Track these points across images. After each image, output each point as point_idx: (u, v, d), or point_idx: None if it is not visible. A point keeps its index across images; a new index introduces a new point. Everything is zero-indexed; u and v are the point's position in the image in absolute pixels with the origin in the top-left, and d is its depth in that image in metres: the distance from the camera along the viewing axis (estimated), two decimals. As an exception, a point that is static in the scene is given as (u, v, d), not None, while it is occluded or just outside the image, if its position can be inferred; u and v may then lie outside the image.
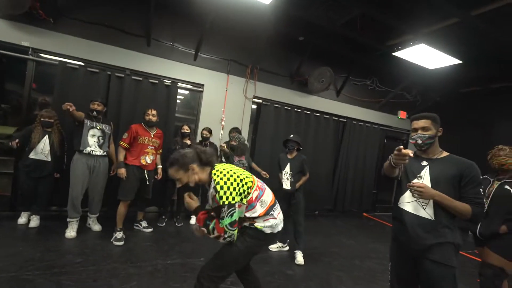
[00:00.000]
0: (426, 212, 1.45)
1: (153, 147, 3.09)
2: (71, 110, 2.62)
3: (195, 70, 4.13)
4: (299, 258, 2.90)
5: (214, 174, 1.46)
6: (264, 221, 1.51)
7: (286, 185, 3.03)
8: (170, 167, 1.50)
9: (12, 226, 2.87)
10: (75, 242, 2.72)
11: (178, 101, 4.12)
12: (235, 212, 1.39)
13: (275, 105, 4.74)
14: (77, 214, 2.86)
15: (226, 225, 1.38)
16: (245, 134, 4.56)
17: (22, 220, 2.97)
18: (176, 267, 2.46)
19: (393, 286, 1.64)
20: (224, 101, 4.33)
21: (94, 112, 2.89)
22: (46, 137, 2.90)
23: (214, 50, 4.25)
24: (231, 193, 1.39)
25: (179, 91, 4.11)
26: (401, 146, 1.35)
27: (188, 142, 3.53)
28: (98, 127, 2.94)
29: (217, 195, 1.40)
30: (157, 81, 3.85)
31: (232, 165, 1.58)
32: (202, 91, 4.24)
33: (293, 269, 2.75)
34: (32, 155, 2.83)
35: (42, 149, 2.87)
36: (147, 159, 3.04)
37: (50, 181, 3.03)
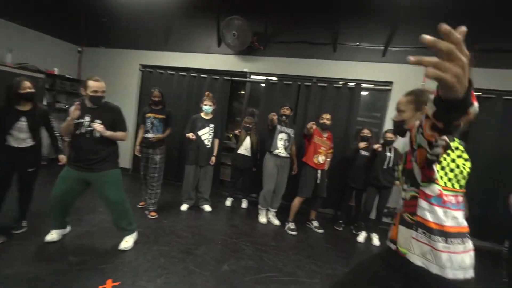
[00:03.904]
0: None
1: (325, 148, 3.19)
2: (274, 118, 3.21)
3: (383, 67, 3.73)
4: None
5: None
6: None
7: None
8: (405, 95, 1.27)
9: (233, 205, 3.92)
10: (269, 227, 3.30)
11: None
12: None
13: (505, 97, 3.30)
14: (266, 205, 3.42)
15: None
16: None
17: (227, 203, 3.87)
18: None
19: None
20: (419, 99, 3.57)
21: (283, 117, 3.34)
22: (248, 137, 3.70)
23: (411, 40, 3.58)
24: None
25: (362, 92, 3.89)
26: None
27: (363, 145, 3.28)
28: (285, 131, 3.37)
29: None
30: (340, 85, 3.86)
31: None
32: (390, 89, 3.75)
33: None
34: (239, 151, 3.70)
35: (245, 146, 3.69)
36: (320, 159, 3.14)
37: (250, 173, 3.83)
